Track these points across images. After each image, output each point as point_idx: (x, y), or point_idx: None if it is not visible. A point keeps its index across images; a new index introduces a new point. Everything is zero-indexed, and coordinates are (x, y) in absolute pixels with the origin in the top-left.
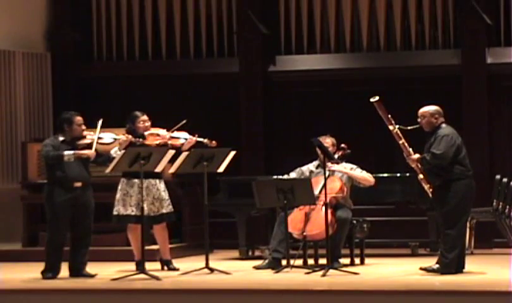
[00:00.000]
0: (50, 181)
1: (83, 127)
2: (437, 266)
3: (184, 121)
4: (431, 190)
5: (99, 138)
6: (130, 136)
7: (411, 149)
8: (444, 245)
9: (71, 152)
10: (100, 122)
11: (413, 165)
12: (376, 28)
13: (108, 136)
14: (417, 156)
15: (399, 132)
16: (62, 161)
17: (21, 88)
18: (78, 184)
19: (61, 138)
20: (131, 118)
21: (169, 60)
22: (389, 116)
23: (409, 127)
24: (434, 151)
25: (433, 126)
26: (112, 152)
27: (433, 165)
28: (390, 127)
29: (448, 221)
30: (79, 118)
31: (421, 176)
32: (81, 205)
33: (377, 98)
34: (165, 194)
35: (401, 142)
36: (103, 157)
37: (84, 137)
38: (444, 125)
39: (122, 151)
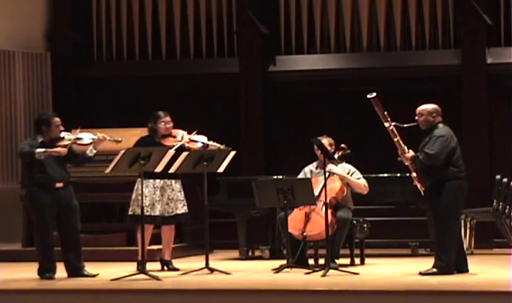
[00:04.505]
0: (30, 183)
1: (61, 128)
2: (434, 270)
3: (195, 131)
4: (423, 189)
5: (78, 138)
6: (105, 135)
7: (406, 147)
8: (438, 247)
9: (42, 150)
10: (77, 131)
11: (407, 163)
12: (376, 28)
13: (87, 137)
14: (411, 154)
15: (394, 129)
16: (34, 159)
17: (21, 88)
18: (60, 185)
19: (40, 139)
20: (153, 118)
21: (169, 60)
22: (385, 113)
23: (405, 125)
24: (427, 151)
25: (430, 125)
26: (87, 152)
27: (425, 165)
28: (386, 124)
29: (440, 222)
30: (57, 120)
31: (414, 174)
32: (65, 206)
33: (374, 94)
34: (180, 195)
35: (395, 139)
36: (79, 157)
37: (62, 138)
38: (440, 125)
39: (122, 151)
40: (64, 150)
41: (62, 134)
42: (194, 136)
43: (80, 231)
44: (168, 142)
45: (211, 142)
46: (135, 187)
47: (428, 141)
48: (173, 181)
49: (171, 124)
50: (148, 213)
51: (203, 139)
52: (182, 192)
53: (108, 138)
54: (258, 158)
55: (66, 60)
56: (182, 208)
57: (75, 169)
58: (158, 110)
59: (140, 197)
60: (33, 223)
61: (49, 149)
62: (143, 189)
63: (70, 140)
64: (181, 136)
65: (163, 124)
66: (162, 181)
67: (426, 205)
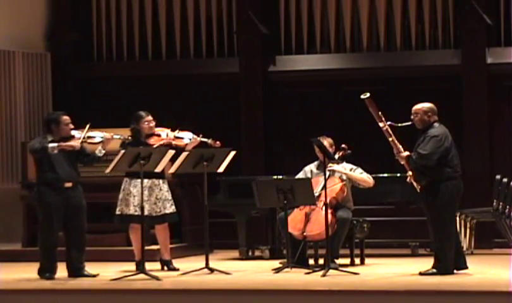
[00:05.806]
0: (39, 181)
1: (71, 126)
2: (434, 270)
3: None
4: (419, 187)
5: (89, 137)
6: (112, 134)
7: (401, 147)
8: (436, 248)
9: (55, 144)
10: (87, 126)
11: (403, 162)
12: (376, 28)
13: (97, 135)
14: (406, 153)
15: (389, 129)
16: (47, 153)
17: (21, 88)
18: (69, 184)
19: (50, 138)
20: (136, 119)
21: (169, 60)
22: (380, 113)
23: (399, 124)
24: (420, 151)
25: (425, 124)
26: (97, 151)
27: (418, 165)
28: (381, 124)
29: (436, 223)
30: (66, 118)
31: (410, 173)
32: (73, 206)
33: (367, 94)
34: (168, 194)
35: (390, 139)
36: (89, 157)
37: (72, 136)
38: (436, 124)
39: (122, 151)
40: (77, 144)
41: (73, 132)
42: (178, 133)
43: None
44: (153, 141)
45: (196, 138)
46: (122, 187)
47: (422, 140)
48: (160, 181)
49: (154, 123)
50: (136, 213)
51: (188, 135)
52: (170, 192)
53: (116, 136)
54: (258, 158)
55: (66, 60)
56: (170, 208)
57: None
58: (158, 110)
59: (127, 197)
60: (36, 223)
61: (63, 143)
62: (131, 189)
63: (80, 138)
64: (166, 134)
65: (146, 123)
66: (150, 181)
67: (422, 205)
